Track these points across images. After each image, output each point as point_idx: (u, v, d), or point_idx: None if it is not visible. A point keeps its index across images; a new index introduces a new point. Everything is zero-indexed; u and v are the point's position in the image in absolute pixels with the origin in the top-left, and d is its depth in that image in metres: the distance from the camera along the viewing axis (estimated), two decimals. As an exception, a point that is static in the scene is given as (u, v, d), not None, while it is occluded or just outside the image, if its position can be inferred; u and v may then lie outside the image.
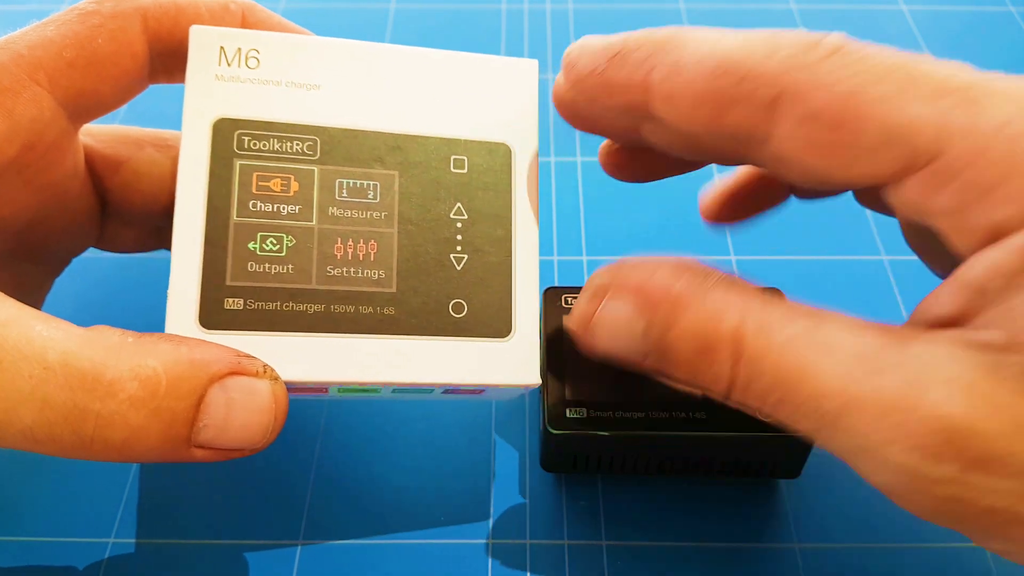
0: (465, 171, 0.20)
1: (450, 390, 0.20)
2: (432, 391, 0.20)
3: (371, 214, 0.19)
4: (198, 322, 0.18)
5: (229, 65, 0.19)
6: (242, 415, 0.17)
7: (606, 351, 0.18)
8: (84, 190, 0.22)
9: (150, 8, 0.19)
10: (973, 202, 0.15)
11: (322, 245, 0.18)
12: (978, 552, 0.23)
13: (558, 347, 0.23)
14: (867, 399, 0.15)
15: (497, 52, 0.39)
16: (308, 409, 0.26)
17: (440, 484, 0.24)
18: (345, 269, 0.19)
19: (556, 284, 0.29)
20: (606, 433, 0.22)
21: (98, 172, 0.22)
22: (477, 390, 0.20)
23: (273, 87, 0.19)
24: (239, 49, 0.19)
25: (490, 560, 0.23)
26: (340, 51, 0.20)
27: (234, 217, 0.18)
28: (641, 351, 0.17)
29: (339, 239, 0.19)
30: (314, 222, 0.18)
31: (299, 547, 0.23)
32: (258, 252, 0.18)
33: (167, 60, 0.20)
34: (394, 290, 0.19)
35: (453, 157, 0.20)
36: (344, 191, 0.19)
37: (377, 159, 0.19)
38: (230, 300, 0.18)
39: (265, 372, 0.17)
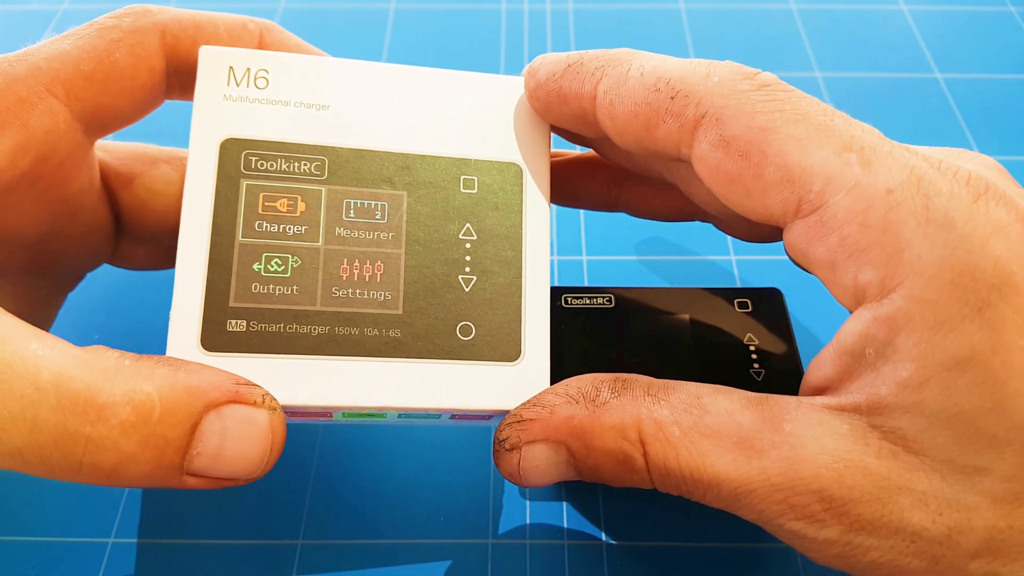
0: (475, 191, 0.20)
1: (458, 415, 0.20)
2: (439, 416, 0.20)
3: (378, 235, 0.19)
4: (200, 344, 0.17)
5: (238, 85, 0.19)
6: (237, 445, 0.16)
7: (547, 485, 0.19)
8: (99, 205, 0.22)
9: (169, 24, 0.20)
10: (844, 259, 0.16)
11: (328, 266, 0.18)
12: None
13: (557, 348, 0.24)
14: (754, 482, 0.16)
15: (497, 53, 0.39)
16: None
17: (440, 484, 0.24)
18: (351, 290, 0.18)
19: (556, 284, 0.29)
20: None
21: (112, 188, 0.22)
22: (485, 416, 0.20)
23: (282, 107, 0.19)
24: (248, 69, 0.19)
25: (490, 560, 0.23)
26: (349, 72, 0.20)
27: (239, 238, 0.18)
28: (574, 475, 0.18)
29: (345, 260, 0.18)
30: (320, 243, 0.18)
31: (299, 546, 0.23)
32: (263, 273, 0.18)
33: (183, 77, 0.20)
34: (400, 312, 0.19)
35: (463, 177, 0.20)
36: (351, 211, 0.19)
37: (385, 179, 0.19)
38: (233, 322, 0.18)
39: (264, 401, 0.17)
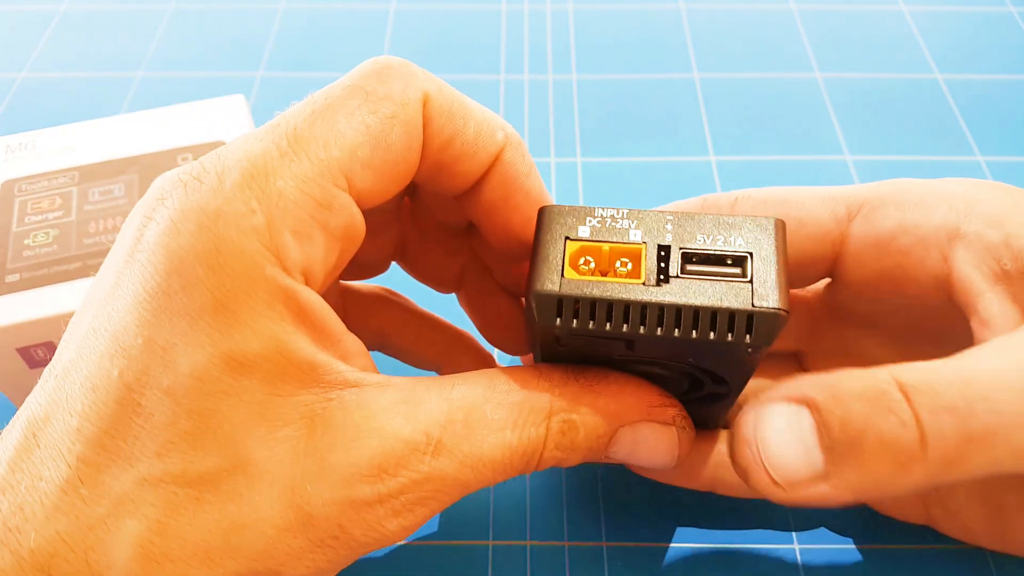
0: (190, 161, 0.27)
1: None
2: None
3: (118, 203, 0.26)
4: None
5: (14, 153, 0.28)
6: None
7: (784, 468, 0.16)
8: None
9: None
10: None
11: (80, 228, 0.26)
12: (978, 553, 0.23)
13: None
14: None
15: (497, 52, 0.39)
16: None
17: (440, 484, 0.24)
18: (99, 238, 0.25)
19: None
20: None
21: None
22: None
23: (44, 155, 0.28)
24: (20, 144, 0.28)
25: (490, 560, 0.23)
26: (92, 125, 0.29)
27: (14, 229, 0.26)
28: (822, 447, 0.16)
29: (93, 222, 0.26)
30: (73, 218, 0.26)
31: (299, 547, 0.23)
32: (31, 244, 0.25)
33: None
34: None
35: (180, 157, 0.28)
36: (97, 195, 0.26)
37: (121, 172, 0.27)
38: (10, 276, 0.24)
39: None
